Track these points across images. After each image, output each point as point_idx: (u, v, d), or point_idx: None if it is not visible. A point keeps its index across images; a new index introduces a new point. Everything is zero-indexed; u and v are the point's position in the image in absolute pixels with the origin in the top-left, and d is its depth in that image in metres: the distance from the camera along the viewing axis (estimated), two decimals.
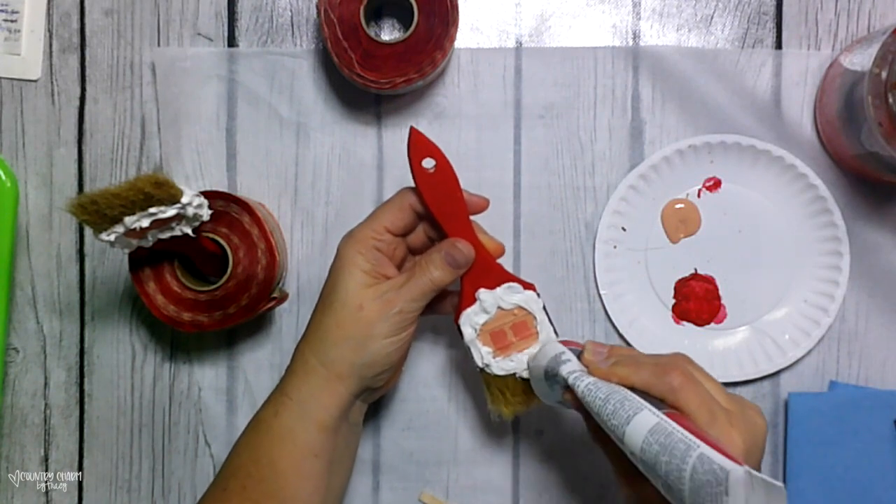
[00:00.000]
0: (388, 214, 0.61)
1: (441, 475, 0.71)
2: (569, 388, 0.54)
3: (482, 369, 0.61)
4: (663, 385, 0.51)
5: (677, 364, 0.52)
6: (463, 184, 0.70)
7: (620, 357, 0.54)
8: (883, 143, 0.59)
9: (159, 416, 0.71)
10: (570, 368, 0.54)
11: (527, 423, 0.71)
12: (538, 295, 0.62)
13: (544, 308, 0.62)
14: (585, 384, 0.52)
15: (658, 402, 0.51)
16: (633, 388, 0.52)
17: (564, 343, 0.58)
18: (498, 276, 0.61)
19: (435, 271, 0.59)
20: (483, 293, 0.61)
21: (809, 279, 0.70)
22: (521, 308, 0.61)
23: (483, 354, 0.61)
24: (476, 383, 0.70)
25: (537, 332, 0.61)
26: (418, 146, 0.60)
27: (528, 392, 0.61)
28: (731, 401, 0.53)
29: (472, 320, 0.61)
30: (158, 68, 0.70)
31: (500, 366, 0.61)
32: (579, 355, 0.56)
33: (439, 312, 0.65)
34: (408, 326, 0.60)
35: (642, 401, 0.50)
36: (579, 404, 0.53)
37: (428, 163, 0.60)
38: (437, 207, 0.60)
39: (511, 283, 0.61)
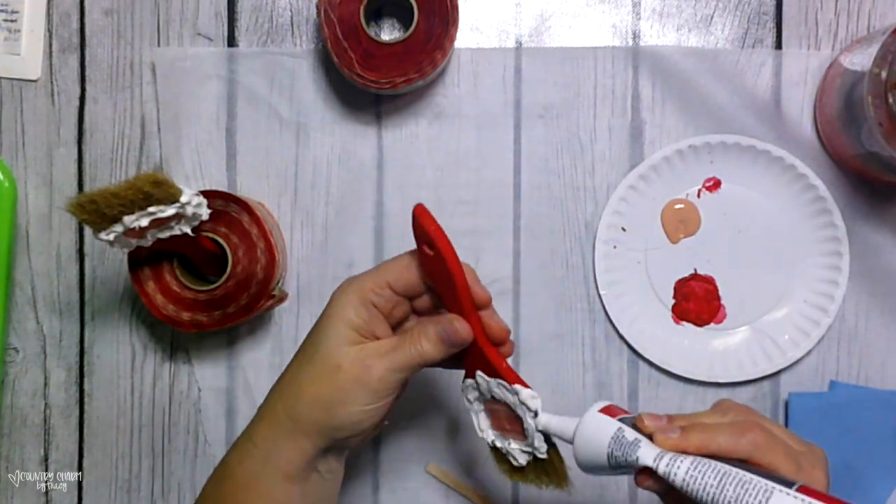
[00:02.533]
0: (393, 270, 0.55)
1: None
2: (643, 472, 0.48)
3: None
4: (747, 446, 0.47)
5: (752, 421, 0.49)
6: (463, 184, 0.70)
7: (686, 424, 0.49)
8: (883, 143, 0.59)
9: (159, 416, 0.71)
10: (650, 453, 0.48)
11: None
12: (534, 397, 0.54)
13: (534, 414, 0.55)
14: (685, 470, 0.46)
15: (740, 463, 0.47)
16: (710, 456, 0.47)
17: (606, 412, 0.51)
18: (493, 370, 0.55)
19: (426, 344, 0.54)
20: (480, 377, 0.55)
21: (809, 279, 0.70)
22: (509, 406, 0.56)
23: (481, 424, 0.58)
24: None
25: (525, 433, 0.55)
26: (418, 231, 0.55)
27: (539, 469, 0.57)
28: (798, 440, 0.51)
29: (470, 392, 0.57)
30: (158, 68, 0.70)
31: (499, 442, 0.57)
32: (632, 425, 0.50)
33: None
34: (386, 396, 0.54)
35: (766, 479, 0.45)
36: (660, 487, 0.48)
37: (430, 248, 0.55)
38: (439, 286, 0.55)
39: (501, 381, 0.54)
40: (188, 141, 0.70)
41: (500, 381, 0.54)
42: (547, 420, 0.54)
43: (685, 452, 0.47)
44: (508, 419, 0.56)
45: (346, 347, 0.54)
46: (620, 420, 0.50)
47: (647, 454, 0.48)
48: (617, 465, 0.49)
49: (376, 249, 0.71)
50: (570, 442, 0.52)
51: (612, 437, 0.49)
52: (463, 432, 0.71)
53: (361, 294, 0.54)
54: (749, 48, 0.70)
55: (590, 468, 0.51)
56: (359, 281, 0.55)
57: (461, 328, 0.54)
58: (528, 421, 0.54)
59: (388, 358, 0.53)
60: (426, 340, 0.54)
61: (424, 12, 0.65)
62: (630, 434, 0.49)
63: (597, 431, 0.50)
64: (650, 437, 0.49)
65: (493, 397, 0.56)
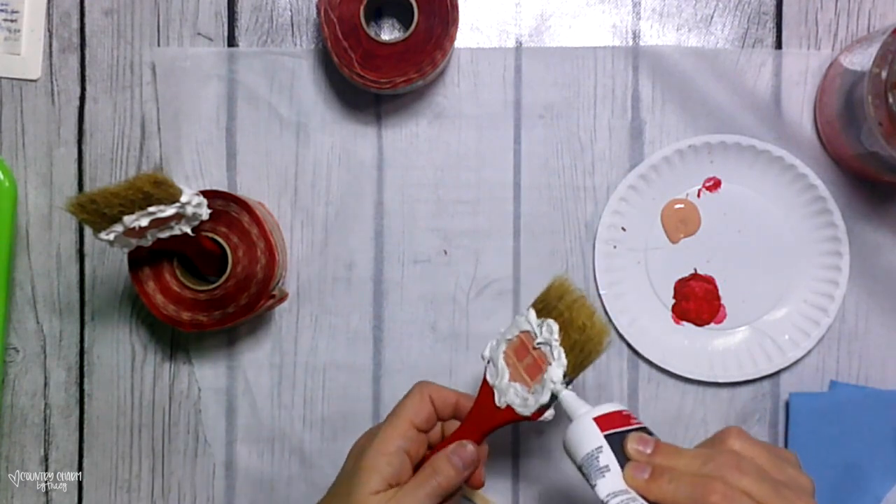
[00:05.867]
0: (410, 409, 0.59)
1: None
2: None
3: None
4: None
5: (720, 474, 0.49)
6: (463, 184, 0.70)
7: (661, 466, 0.50)
8: (883, 143, 0.59)
9: (159, 416, 0.71)
10: (608, 487, 0.50)
11: (527, 422, 0.70)
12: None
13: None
14: None
15: None
16: None
17: (602, 421, 0.53)
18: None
19: (443, 478, 0.56)
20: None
21: (809, 279, 0.70)
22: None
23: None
24: (476, 384, 0.70)
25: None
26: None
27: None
28: (780, 467, 0.51)
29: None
30: (158, 68, 0.70)
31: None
32: (623, 438, 0.52)
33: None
34: None
35: None
36: None
37: None
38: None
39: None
40: (188, 141, 0.70)
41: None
42: (567, 395, 0.55)
43: (645, 498, 0.49)
44: (528, 366, 0.58)
45: (375, 497, 0.55)
46: (612, 434, 0.52)
47: (605, 487, 0.50)
48: (584, 478, 0.52)
49: (376, 249, 0.71)
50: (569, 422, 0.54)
51: (588, 453, 0.52)
52: None
53: (392, 443, 0.57)
54: (749, 48, 0.70)
55: (567, 457, 0.54)
56: (385, 433, 0.58)
57: (470, 448, 0.57)
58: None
59: (408, 499, 0.55)
60: (442, 475, 0.56)
61: (424, 12, 0.65)
62: (604, 458, 0.51)
63: (581, 438, 0.52)
64: (628, 460, 0.51)
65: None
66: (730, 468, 0.49)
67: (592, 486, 0.51)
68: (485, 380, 0.59)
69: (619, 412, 0.54)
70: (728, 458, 0.50)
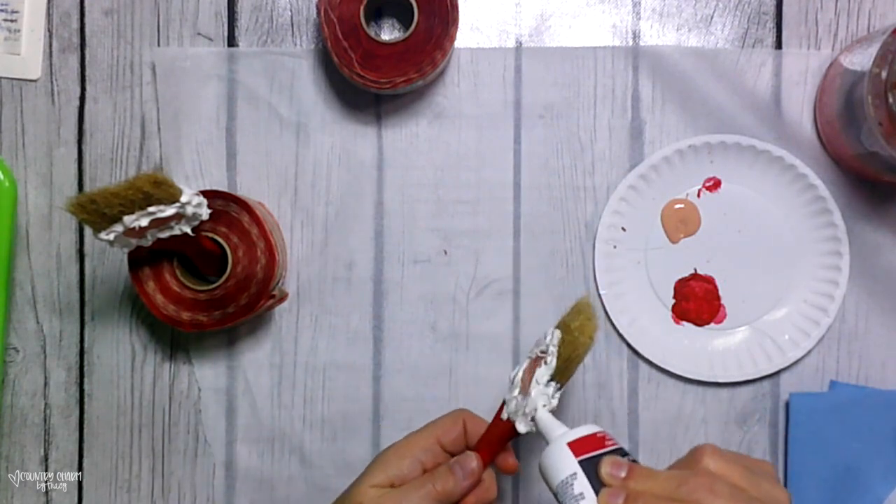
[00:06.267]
0: (441, 426, 0.60)
1: None
2: None
3: None
4: None
5: (694, 499, 0.48)
6: (463, 184, 0.70)
7: (635, 491, 0.50)
8: (883, 143, 0.59)
9: (159, 416, 0.71)
10: None
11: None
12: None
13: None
14: None
15: None
16: None
17: (576, 445, 0.53)
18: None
19: (439, 484, 0.56)
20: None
21: (809, 279, 0.70)
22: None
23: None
24: (476, 385, 0.70)
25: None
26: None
27: None
28: (755, 484, 0.51)
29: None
30: (158, 68, 0.70)
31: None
32: (597, 463, 0.52)
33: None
34: None
35: None
36: None
37: None
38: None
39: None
40: (188, 141, 0.70)
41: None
42: (542, 415, 0.55)
43: None
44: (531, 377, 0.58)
45: (372, 490, 0.56)
46: (587, 459, 0.52)
47: None
48: (558, 499, 0.52)
49: (376, 249, 0.71)
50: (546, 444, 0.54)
51: (563, 481, 0.51)
52: None
53: (410, 449, 0.58)
54: (749, 48, 0.70)
55: (544, 481, 0.54)
56: (409, 437, 0.59)
57: (472, 456, 0.57)
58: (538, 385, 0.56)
59: (402, 501, 0.55)
60: (439, 481, 0.56)
61: (424, 12, 0.65)
62: (578, 486, 0.51)
63: (555, 464, 0.52)
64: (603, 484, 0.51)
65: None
66: (704, 491, 0.49)
67: None
68: (504, 400, 0.59)
69: (594, 435, 0.53)
70: (702, 480, 0.50)
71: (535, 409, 0.56)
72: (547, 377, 0.56)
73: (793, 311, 0.70)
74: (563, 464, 0.52)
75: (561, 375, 0.56)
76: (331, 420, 0.71)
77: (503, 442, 0.59)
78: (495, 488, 0.60)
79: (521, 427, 0.56)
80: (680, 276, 0.70)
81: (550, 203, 0.70)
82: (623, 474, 0.51)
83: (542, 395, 0.56)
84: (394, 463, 0.57)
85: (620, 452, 0.53)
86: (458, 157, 0.71)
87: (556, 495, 0.52)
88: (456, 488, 0.57)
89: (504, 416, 0.58)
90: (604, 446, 0.53)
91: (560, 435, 0.53)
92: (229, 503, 0.71)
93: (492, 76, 0.70)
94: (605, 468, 0.51)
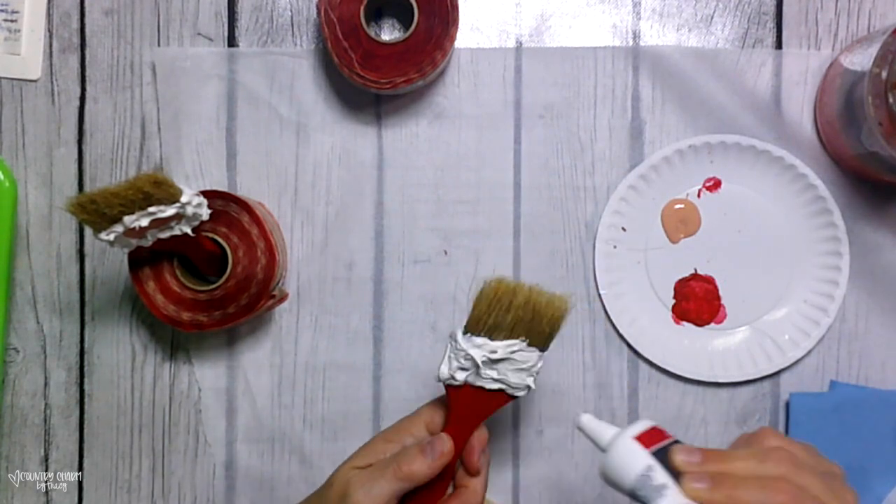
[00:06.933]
0: (428, 411, 0.59)
1: None
2: None
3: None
4: None
5: (783, 480, 0.48)
6: (463, 184, 0.70)
7: (717, 473, 0.49)
8: (883, 143, 0.59)
9: (159, 416, 0.71)
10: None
11: (527, 422, 0.71)
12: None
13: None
14: None
15: None
16: None
17: (643, 439, 0.51)
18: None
19: (406, 466, 0.55)
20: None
21: (809, 279, 0.70)
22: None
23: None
24: None
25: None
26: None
27: None
28: (818, 461, 0.51)
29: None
30: (158, 68, 0.70)
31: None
32: (665, 453, 0.50)
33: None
34: None
35: None
36: None
37: None
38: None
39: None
40: (188, 141, 0.70)
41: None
42: (588, 420, 0.54)
43: None
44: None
45: (353, 470, 0.56)
46: (655, 451, 0.50)
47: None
48: (637, 500, 0.50)
49: (376, 249, 0.71)
50: (602, 451, 0.52)
51: (640, 475, 0.49)
52: None
53: (397, 434, 0.58)
54: (749, 48, 0.70)
55: (611, 486, 0.52)
56: (398, 422, 0.59)
57: (442, 436, 0.57)
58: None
59: (368, 483, 0.55)
60: (405, 459, 0.55)
61: (424, 12, 0.65)
62: (658, 477, 0.49)
63: (627, 461, 0.50)
64: (677, 473, 0.49)
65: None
66: (787, 465, 0.49)
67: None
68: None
69: (654, 428, 0.52)
70: (782, 454, 0.49)
71: (579, 421, 0.54)
72: (460, 331, 0.57)
73: (793, 311, 0.70)
74: (635, 459, 0.50)
75: (475, 323, 0.57)
76: (331, 420, 0.71)
77: (468, 419, 0.58)
78: (480, 496, 0.59)
79: (444, 371, 0.57)
80: (680, 276, 0.70)
81: (550, 203, 0.70)
82: (698, 459, 0.50)
83: (475, 347, 0.56)
84: (380, 447, 0.58)
85: (679, 443, 0.52)
86: (458, 157, 0.71)
87: (632, 494, 0.50)
88: (423, 468, 0.55)
89: (438, 379, 0.58)
90: (665, 438, 0.52)
91: (619, 433, 0.52)
92: (229, 503, 0.71)
93: (492, 76, 0.70)
94: (680, 456, 0.50)
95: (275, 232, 0.67)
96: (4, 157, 0.71)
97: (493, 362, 0.56)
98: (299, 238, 0.71)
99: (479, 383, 0.57)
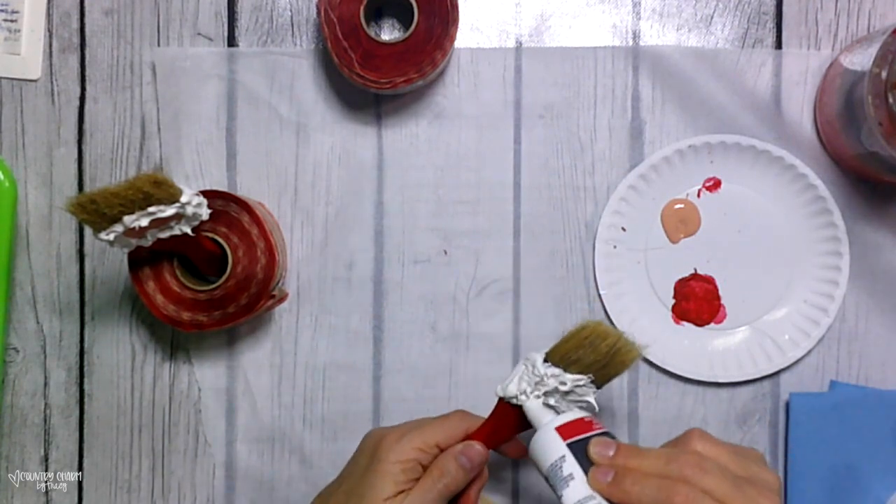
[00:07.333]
0: (443, 431, 0.59)
1: None
2: None
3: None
4: None
5: (683, 475, 0.49)
6: (463, 184, 0.70)
7: (624, 467, 0.51)
8: (883, 143, 0.59)
9: (159, 416, 0.71)
10: (574, 495, 0.51)
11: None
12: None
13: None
14: None
15: None
16: None
17: (564, 429, 0.54)
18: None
19: (450, 479, 0.57)
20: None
21: (809, 279, 0.70)
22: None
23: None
24: (476, 385, 0.70)
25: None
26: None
27: None
28: (743, 465, 0.51)
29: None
30: (158, 68, 0.70)
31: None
32: (586, 444, 0.53)
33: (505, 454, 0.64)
34: None
35: None
36: None
37: None
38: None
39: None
40: (188, 141, 0.70)
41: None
42: (532, 404, 0.57)
43: (610, 501, 0.50)
44: None
45: (386, 502, 0.55)
46: (573, 442, 0.53)
47: (570, 495, 0.51)
48: (551, 488, 0.53)
49: (376, 249, 0.71)
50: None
51: (552, 464, 0.53)
52: None
53: (411, 454, 0.57)
54: (749, 48, 0.70)
55: (537, 470, 0.55)
56: (408, 440, 0.58)
57: (478, 446, 0.58)
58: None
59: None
60: (450, 477, 0.56)
61: (424, 12, 0.65)
62: (567, 467, 0.52)
63: (545, 447, 0.54)
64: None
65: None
66: (692, 467, 0.50)
67: (559, 497, 0.52)
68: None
69: (581, 419, 0.55)
70: (690, 457, 0.51)
71: (524, 400, 0.57)
72: (540, 357, 0.58)
73: (793, 311, 0.70)
74: (552, 447, 0.53)
75: (559, 357, 0.57)
76: (331, 420, 0.71)
77: (504, 433, 0.60)
78: (487, 471, 0.61)
79: (512, 389, 0.58)
80: (680, 276, 0.70)
81: (550, 203, 0.70)
82: (611, 453, 0.52)
83: (551, 376, 0.57)
84: (398, 469, 0.56)
85: (608, 436, 0.54)
86: (458, 157, 0.71)
87: (546, 479, 0.53)
88: (465, 480, 0.57)
89: (502, 394, 0.59)
90: (591, 429, 0.54)
91: (549, 421, 0.55)
92: (229, 503, 0.71)
93: (492, 76, 0.70)
94: (594, 448, 0.52)
95: (275, 232, 0.67)
96: (4, 157, 0.71)
97: (557, 391, 0.57)
98: (299, 238, 0.71)
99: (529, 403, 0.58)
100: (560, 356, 0.57)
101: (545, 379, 0.56)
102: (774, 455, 0.70)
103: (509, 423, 0.59)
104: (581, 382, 0.57)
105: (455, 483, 0.57)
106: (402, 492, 0.56)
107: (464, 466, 0.57)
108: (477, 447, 0.58)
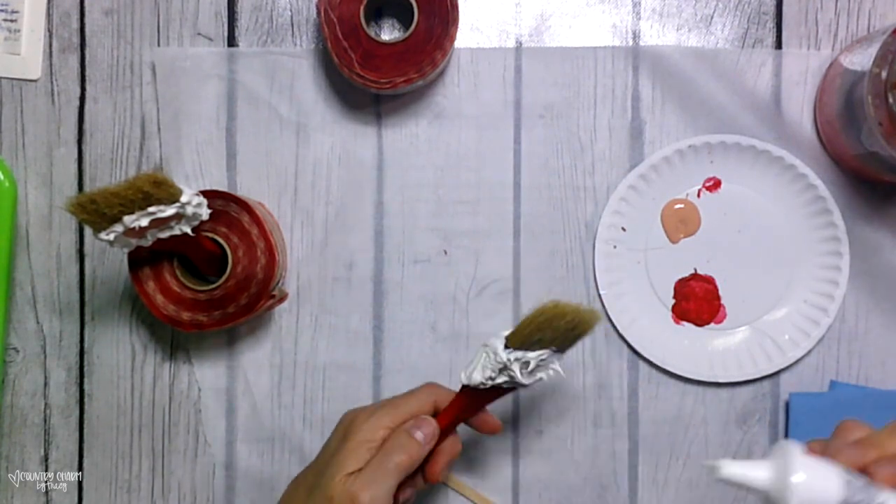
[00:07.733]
0: (412, 405, 0.60)
1: None
2: None
3: None
4: None
5: None
6: (463, 184, 0.70)
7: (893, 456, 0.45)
8: (883, 143, 0.59)
9: (159, 416, 0.71)
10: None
11: (527, 422, 0.71)
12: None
13: None
14: None
15: None
16: None
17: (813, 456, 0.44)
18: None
19: (404, 455, 0.57)
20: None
21: (809, 279, 0.70)
22: None
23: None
24: None
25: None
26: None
27: None
28: None
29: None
30: (158, 68, 0.70)
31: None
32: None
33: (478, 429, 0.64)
34: None
35: None
36: None
37: None
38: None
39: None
40: (188, 141, 0.70)
41: None
42: (730, 469, 0.44)
43: None
44: None
45: (340, 477, 0.56)
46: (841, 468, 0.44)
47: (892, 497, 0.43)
48: None
49: (376, 249, 0.71)
50: (768, 491, 0.44)
51: (842, 485, 0.43)
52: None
53: (379, 432, 0.58)
54: (749, 48, 0.70)
55: None
56: (376, 417, 0.58)
57: (431, 421, 0.58)
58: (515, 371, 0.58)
59: (372, 484, 0.55)
60: (401, 450, 0.57)
61: (424, 12, 0.65)
62: (856, 477, 0.44)
63: (816, 479, 0.43)
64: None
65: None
66: None
67: None
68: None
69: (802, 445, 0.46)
70: None
71: (721, 472, 0.44)
72: (500, 344, 0.57)
73: (793, 311, 0.70)
74: (824, 472, 0.44)
75: (518, 339, 0.57)
76: (331, 420, 0.70)
77: (469, 412, 0.61)
78: (460, 443, 0.62)
79: (476, 377, 0.58)
80: (680, 276, 0.70)
81: (550, 203, 0.70)
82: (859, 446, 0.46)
83: (514, 361, 0.57)
84: (364, 449, 0.57)
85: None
86: (458, 157, 0.71)
87: None
88: (419, 453, 0.57)
89: (466, 381, 0.59)
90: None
91: (783, 463, 0.44)
92: (229, 503, 0.71)
93: (492, 76, 0.70)
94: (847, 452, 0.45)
95: (275, 232, 0.67)
96: (4, 157, 0.71)
97: (522, 371, 0.57)
98: (299, 238, 0.71)
99: (495, 384, 0.58)
100: (521, 341, 0.57)
101: (509, 364, 0.57)
102: None
103: (475, 402, 0.60)
104: (544, 356, 0.57)
105: (409, 457, 0.57)
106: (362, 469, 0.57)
107: (417, 440, 0.57)
108: (429, 419, 0.58)
